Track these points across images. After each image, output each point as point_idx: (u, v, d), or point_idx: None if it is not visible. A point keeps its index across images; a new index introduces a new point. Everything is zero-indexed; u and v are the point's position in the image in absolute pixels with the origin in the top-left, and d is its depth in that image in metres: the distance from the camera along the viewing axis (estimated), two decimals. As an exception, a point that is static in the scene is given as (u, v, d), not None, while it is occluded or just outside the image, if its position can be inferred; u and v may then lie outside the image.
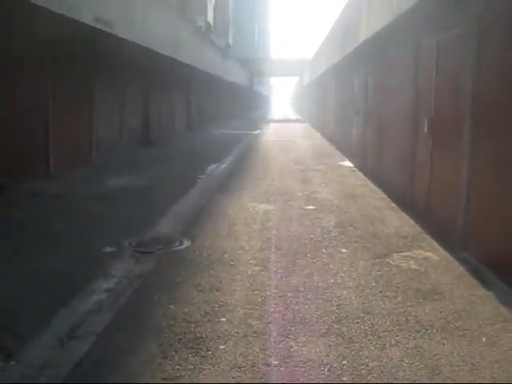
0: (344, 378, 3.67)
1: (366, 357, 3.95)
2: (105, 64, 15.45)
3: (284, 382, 3.65)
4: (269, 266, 6.08)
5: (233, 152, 19.28)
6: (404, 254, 6.60)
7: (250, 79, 55.83)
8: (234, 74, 41.49)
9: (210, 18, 34.41)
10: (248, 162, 16.43)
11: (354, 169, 14.69)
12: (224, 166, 15.46)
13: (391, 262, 6.27)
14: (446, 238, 7.06)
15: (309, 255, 6.49)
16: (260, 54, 76.14)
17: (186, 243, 7.02)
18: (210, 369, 3.77)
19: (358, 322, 4.57)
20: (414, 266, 6.10)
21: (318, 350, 4.07)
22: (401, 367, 3.81)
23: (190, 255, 6.47)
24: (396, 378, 3.68)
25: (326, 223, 8.16)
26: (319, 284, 5.48)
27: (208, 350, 4.03)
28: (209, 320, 4.58)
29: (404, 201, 9.62)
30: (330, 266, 6.12)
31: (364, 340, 4.23)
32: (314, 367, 3.81)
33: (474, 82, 6.51)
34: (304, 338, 4.25)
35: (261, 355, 3.97)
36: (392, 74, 11.11)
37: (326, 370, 3.78)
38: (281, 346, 4.13)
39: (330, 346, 4.13)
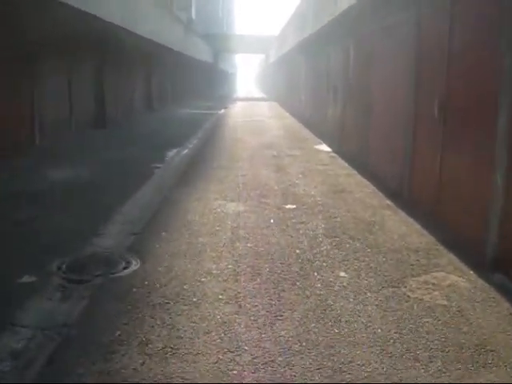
0: None
1: None
2: (48, 35, 13.38)
3: None
4: (246, 304, 4.40)
5: (197, 134, 17.45)
6: (422, 278, 5.00)
7: (215, 56, 53.59)
8: (197, 50, 39.34)
9: (171, -12, 32.22)
10: (214, 146, 14.65)
11: (334, 154, 13.07)
12: (186, 151, 13.65)
13: (409, 293, 4.66)
14: (469, 252, 5.50)
15: (298, 284, 4.83)
16: (225, 31, 73.72)
17: (134, 265, 5.30)
18: None
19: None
20: (441, 301, 4.50)
21: None
22: None
23: (138, 286, 4.74)
24: None
25: (312, 230, 6.51)
26: (320, 339, 3.83)
27: None
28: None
29: (401, 196, 8.05)
30: (329, 302, 4.47)
31: None
32: None
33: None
34: None
35: None
36: (385, 43, 9.45)
37: None
38: None
39: None
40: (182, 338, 3.81)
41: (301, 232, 6.43)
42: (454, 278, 5.01)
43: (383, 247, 5.88)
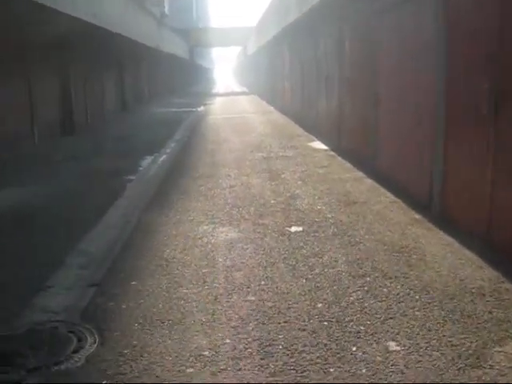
0: None
1: None
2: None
3: None
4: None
5: (174, 136, 15.76)
6: (509, 347, 3.41)
7: (191, 52, 51.73)
8: (172, 45, 37.51)
9: (142, -18, 30.40)
10: (195, 149, 12.97)
11: (332, 153, 11.46)
12: (164, 157, 11.97)
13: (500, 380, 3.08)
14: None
15: (331, 370, 3.22)
16: (200, 25, 71.69)
17: (89, 344, 3.66)
18: None
19: None
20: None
21: None
22: None
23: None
24: None
25: (332, 266, 4.90)
26: None
27: None
28: None
29: (429, 209, 6.47)
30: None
31: None
32: None
33: None
34: None
35: None
36: (399, 18, 7.84)
37: None
38: None
39: None
40: None
41: (317, 271, 4.80)
42: (555, 342, 3.43)
43: (434, 290, 4.28)
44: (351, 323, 3.79)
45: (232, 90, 54.18)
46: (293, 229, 6.09)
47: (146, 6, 29.04)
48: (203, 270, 4.90)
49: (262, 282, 4.58)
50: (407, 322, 3.77)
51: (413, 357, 3.33)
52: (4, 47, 12.27)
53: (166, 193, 8.22)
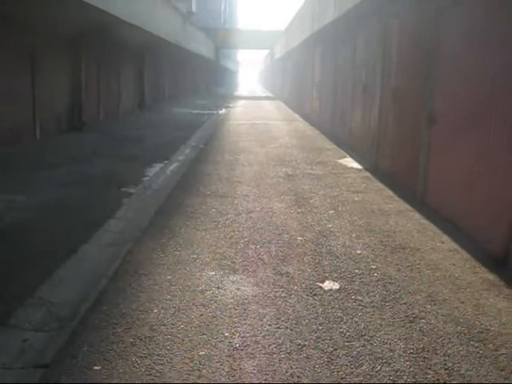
0: None
1: None
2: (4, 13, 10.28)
3: None
4: None
5: (190, 141, 14.32)
6: None
7: (216, 52, 50.42)
8: (198, 44, 36.18)
9: (169, -23, 29.15)
10: (209, 159, 11.49)
11: (367, 173, 9.90)
12: (173, 166, 10.51)
13: None
14: None
15: None
16: (227, 25, 70.28)
17: None
18: None
19: None
20: None
21: None
22: None
23: None
24: None
25: (390, 364, 3.35)
26: None
27: None
28: None
29: (507, 266, 4.90)
30: None
31: None
32: None
33: None
34: None
35: None
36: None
37: None
38: None
39: None
40: None
41: (365, 368, 3.27)
42: None
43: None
44: None
45: (256, 95, 52.75)
46: (326, 285, 4.56)
47: (171, 1, 27.79)
48: (200, 353, 3.40)
49: (286, 386, 3.06)
50: None
51: None
52: (4, 32, 10.95)
53: (168, 215, 6.74)
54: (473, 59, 6.01)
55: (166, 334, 3.63)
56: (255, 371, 3.20)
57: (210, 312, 3.98)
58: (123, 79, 21.45)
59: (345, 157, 11.84)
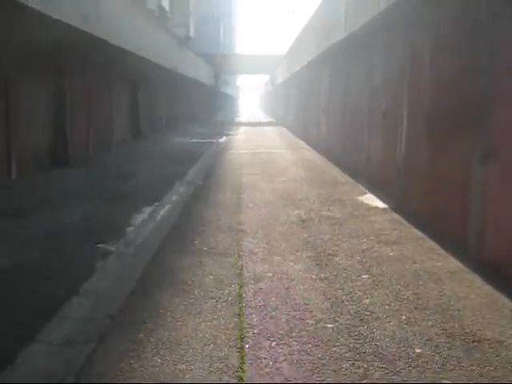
0: None
1: None
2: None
3: None
4: None
5: (187, 176, 12.75)
6: None
7: (216, 78, 49.32)
8: (196, 70, 35.00)
9: (165, 2, 28.07)
10: (208, 200, 9.89)
11: (395, 215, 8.29)
12: (165, 210, 8.91)
13: None
14: None
15: None
16: (226, 51, 69.23)
17: None
18: None
19: None
20: None
21: None
22: None
23: None
24: None
25: None
26: None
27: None
28: None
29: None
30: None
31: None
32: None
33: None
34: None
35: None
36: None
37: None
38: None
39: None
40: None
41: None
42: None
43: None
44: None
45: (258, 120, 51.42)
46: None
47: (168, 26, 26.53)
48: None
49: None
50: None
51: None
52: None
53: (151, 287, 5.12)
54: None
55: None
56: None
57: None
58: (116, 107, 20.02)
59: (364, 193, 10.24)
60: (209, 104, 50.41)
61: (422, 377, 3.44)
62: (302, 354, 3.74)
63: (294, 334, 4.07)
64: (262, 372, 3.50)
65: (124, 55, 16.01)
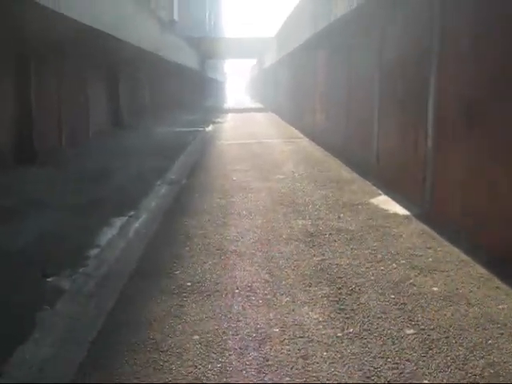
0: None
1: None
2: None
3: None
4: None
5: (169, 172, 11.15)
6: None
7: (202, 63, 47.40)
8: (180, 54, 33.11)
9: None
10: (192, 206, 8.30)
11: (421, 224, 6.76)
12: (140, 223, 7.31)
13: None
14: None
15: None
16: (212, 35, 67.02)
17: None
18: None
19: None
20: None
21: None
22: None
23: None
24: None
25: None
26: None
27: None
28: None
29: None
30: None
31: None
32: None
33: None
34: None
35: None
36: None
37: None
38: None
39: None
40: None
41: None
42: None
43: None
44: None
45: (246, 106, 49.68)
46: None
47: (150, 9, 24.72)
48: None
49: None
50: None
51: None
52: None
53: (110, 356, 3.54)
54: None
55: None
56: None
57: None
58: (93, 95, 18.25)
59: (378, 194, 8.69)
60: (196, 90, 48.52)
61: None
62: None
63: None
64: None
65: (101, 38, 14.26)
